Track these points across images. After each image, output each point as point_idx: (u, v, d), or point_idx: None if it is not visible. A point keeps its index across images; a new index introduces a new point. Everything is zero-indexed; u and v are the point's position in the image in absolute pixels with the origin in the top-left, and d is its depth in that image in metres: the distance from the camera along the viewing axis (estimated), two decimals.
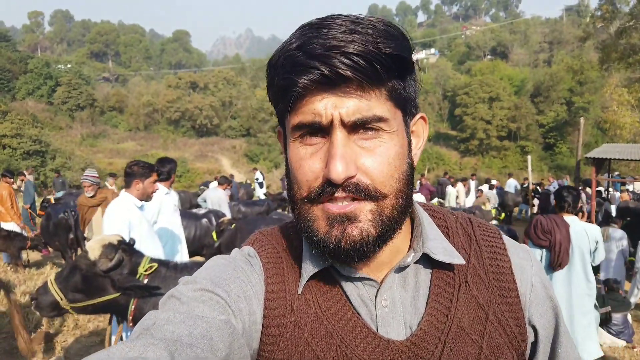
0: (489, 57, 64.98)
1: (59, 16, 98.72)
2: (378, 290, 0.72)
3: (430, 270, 0.75)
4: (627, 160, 7.71)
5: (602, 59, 21.22)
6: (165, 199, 4.35)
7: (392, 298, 0.72)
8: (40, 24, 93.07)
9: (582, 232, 3.86)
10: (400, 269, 0.73)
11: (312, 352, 0.69)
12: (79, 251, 7.80)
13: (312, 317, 0.71)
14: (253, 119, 44.74)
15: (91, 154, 36.11)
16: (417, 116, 0.74)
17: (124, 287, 2.39)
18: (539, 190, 15.39)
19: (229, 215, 7.45)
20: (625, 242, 7.24)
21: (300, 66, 0.61)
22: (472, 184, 17.12)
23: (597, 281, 6.65)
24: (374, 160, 0.64)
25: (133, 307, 2.45)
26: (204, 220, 6.69)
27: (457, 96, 43.43)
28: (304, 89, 0.62)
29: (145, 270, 2.50)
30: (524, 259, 0.78)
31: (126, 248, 2.53)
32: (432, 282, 0.74)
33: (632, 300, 6.87)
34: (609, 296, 5.70)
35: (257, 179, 17.39)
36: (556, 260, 3.77)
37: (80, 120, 42.89)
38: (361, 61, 0.59)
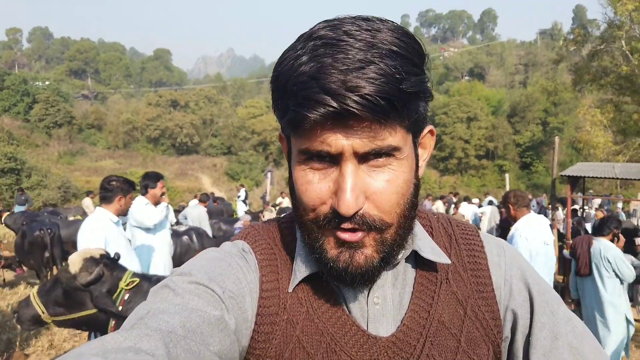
0: (466, 78, 66.52)
1: (37, 33, 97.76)
2: (370, 288, 0.74)
3: (416, 269, 0.78)
4: (601, 178, 8.03)
5: (575, 80, 21.92)
6: (144, 210, 4.28)
7: (383, 296, 0.74)
8: (19, 41, 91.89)
9: (597, 250, 4.54)
10: (391, 266, 0.75)
11: (303, 349, 0.70)
12: (55, 270, 7.61)
13: (304, 315, 0.72)
14: (234, 137, 44.71)
15: (68, 172, 35.43)
16: (426, 130, 0.73)
17: (97, 306, 2.35)
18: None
19: (209, 232, 7.38)
20: None
21: (314, 102, 0.58)
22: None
23: None
24: (383, 190, 0.64)
25: (113, 323, 2.41)
26: (185, 237, 6.61)
27: (436, 116, 44.10)
28: (315, 122, 0.60)
29: (127, 285, 2.47)
30: (499, 255, 0.82)
31: (108, 262, 2.50)
32: (417, 279, 0.77)
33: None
34: None
35: (239, 197, 17.29)
36: (578, 268, 4.70)
37: (57, 138, 42.17)
38: (381, 102, 0.57)
